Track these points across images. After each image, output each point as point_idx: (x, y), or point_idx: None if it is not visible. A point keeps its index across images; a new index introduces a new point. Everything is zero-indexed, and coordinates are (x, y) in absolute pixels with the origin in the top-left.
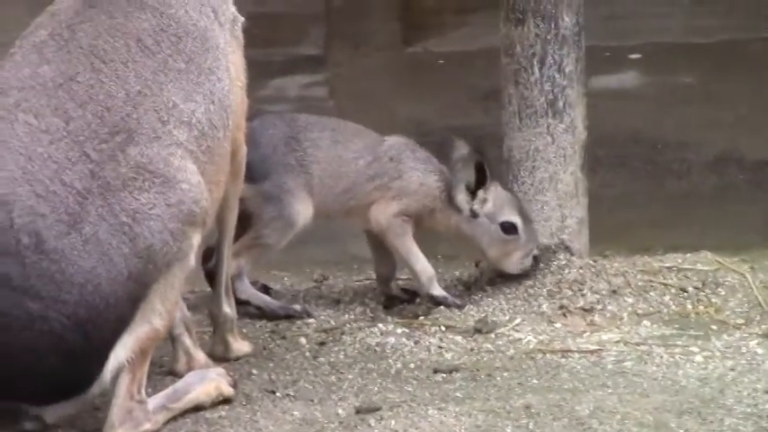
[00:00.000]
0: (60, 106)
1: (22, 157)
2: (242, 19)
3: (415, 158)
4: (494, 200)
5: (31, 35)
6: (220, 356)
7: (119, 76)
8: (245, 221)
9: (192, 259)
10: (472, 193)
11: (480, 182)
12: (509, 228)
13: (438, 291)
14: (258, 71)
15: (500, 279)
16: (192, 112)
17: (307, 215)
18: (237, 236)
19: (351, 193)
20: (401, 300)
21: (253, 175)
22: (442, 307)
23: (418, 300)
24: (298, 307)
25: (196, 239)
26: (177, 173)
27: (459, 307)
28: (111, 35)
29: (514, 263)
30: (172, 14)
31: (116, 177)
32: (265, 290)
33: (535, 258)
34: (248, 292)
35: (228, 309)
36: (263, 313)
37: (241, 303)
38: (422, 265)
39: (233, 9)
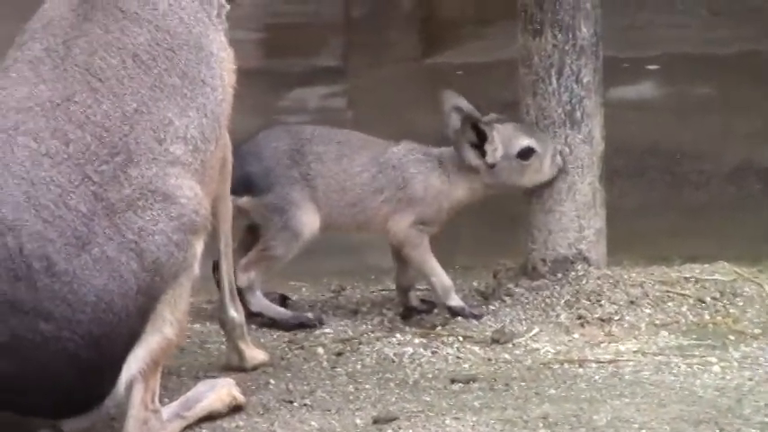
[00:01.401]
0: (59, 128)
1: (25, 182)
2: (227, 6)
3: (417, 161)
4: (502, 142)
5: (26, 48)
6: (236, 366)
7: (115, 95)
8: (255, 234)
9: (197, 268)
10: (479, 149)
11: (482, 138)
12: (526, 152)
13: (455, 301)
14: (277, 82)
15: (518, 290)
16: (186, 128)
17: (313, 227)
18: (248, 248)
19: (359, 207)
20: (419, 310)
21: (256, 188)
22: (459, 317)
23: (436, 310)
24: (310, 315)
25: (199, 247)
26: (176, 189)
27: (477, 317)
28: (106, 51)
29: (547, 171)
30: (167, 26)
31: (120, 199)
32: (283, 300)
33: (560, 154)
34: (261, 304)
35: (235, 313)
36: (276, 324)
37: (254, 316)
38: (438, 276)
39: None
